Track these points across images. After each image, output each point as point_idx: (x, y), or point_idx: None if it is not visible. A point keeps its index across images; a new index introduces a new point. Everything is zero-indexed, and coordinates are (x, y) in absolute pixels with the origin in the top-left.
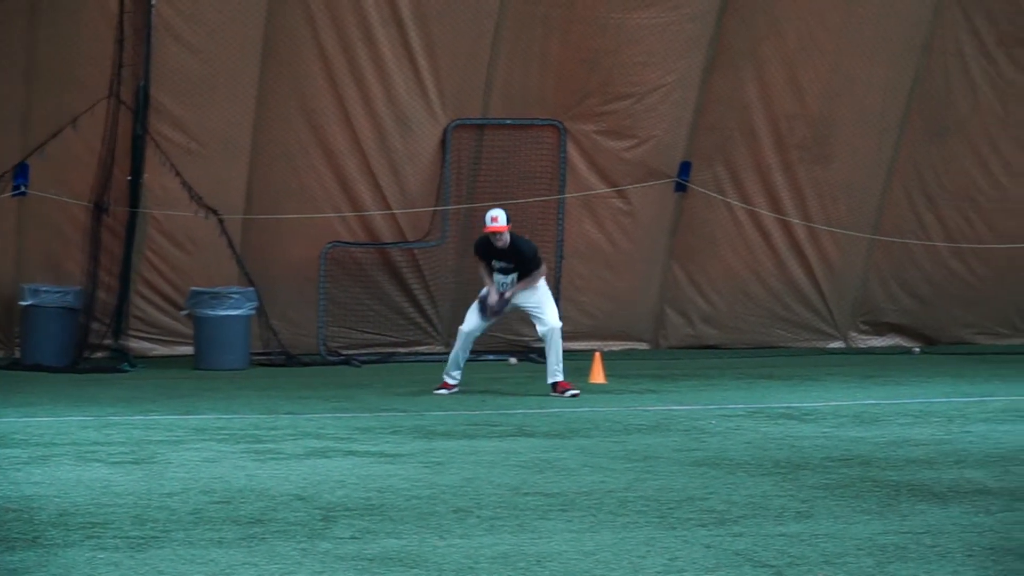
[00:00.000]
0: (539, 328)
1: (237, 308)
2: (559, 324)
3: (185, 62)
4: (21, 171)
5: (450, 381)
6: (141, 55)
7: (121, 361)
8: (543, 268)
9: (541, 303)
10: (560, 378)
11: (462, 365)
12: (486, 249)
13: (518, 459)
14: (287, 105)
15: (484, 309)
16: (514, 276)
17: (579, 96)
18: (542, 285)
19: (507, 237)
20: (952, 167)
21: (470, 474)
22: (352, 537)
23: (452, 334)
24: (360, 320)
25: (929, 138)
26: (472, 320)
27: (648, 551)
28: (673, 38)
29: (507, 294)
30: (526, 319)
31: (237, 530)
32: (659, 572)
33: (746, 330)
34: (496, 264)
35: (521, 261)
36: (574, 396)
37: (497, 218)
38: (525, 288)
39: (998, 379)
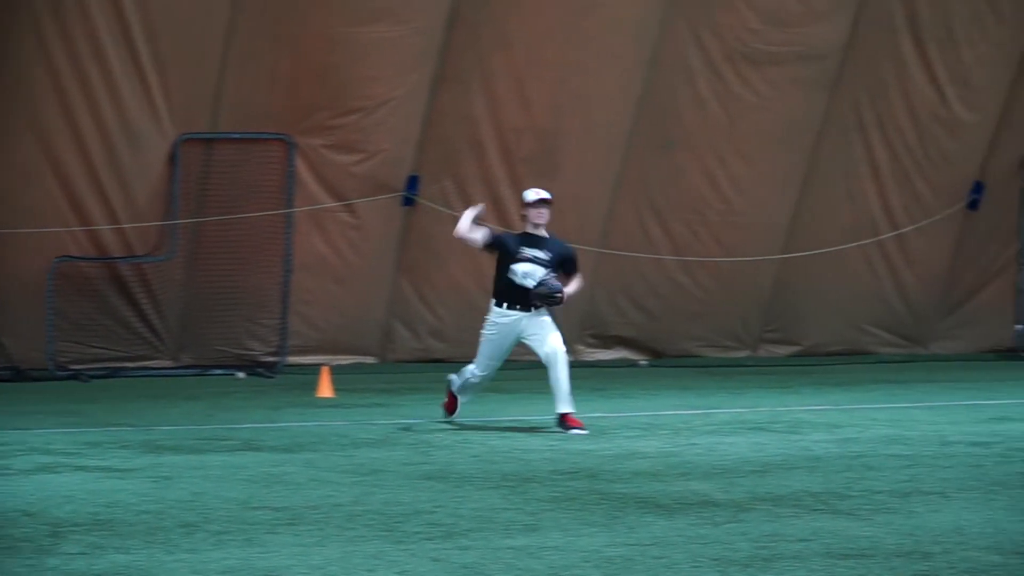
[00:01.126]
0: (540, 352)
1: None
2: (563, 347)
3: None
4: None
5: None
6: None
7: None
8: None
9: (544, 325)
10: (567, 409)
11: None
12: (520, 236)
13: (246, 473)
14: (15, 120)
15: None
16: (543, 273)
17: (308, 110)
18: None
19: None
20: (679, 181)
21: (198, 488)
22: (80, 553)
23: (180, 348)
24: (89, 335)
25: (657, 152)
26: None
27: (376, 565)
28: (402, 52)
29: (566, 291)
30: (254, 333)
31: None
32: None
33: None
34: (527, 252)
35: (563, 259)
36: (581, 434)
37: (541, 191)
38: (573, 292)
39: (724, 391)
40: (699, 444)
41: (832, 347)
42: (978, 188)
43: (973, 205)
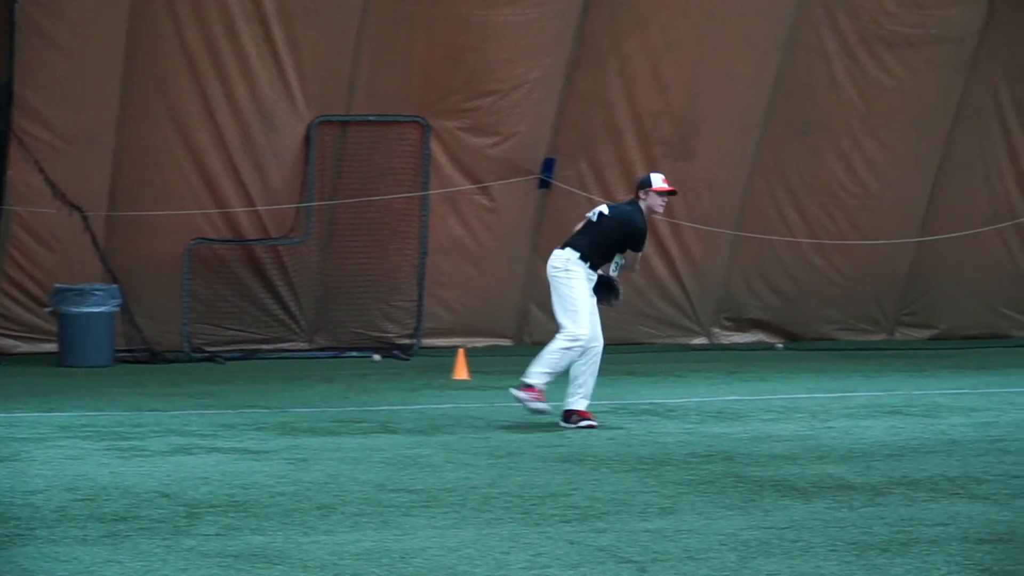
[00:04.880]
0: None
1: (101, 305)
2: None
3: (49, 59)
4: None
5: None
6: (4, 52)
7: None
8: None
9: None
10: (577, 406)
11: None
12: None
13: (382, 455)
14: (151, 103)
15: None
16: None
17: (443, 93)
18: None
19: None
20: (815, 164)
21: (334, 471)
22: (216, 534)
23: (316, 330)
24: (225, 317)
25: (792, 135)
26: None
27: (512, 547)
28: (537, 35)
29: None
30: (389, 315)
31: (101, 528)
32: (523, 568)
33: (609, 326)
34: None
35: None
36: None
37: (666, 179)
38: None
39: (860, 375)
40: (836, 427)
41: (969, 330)
42: None
43: None
